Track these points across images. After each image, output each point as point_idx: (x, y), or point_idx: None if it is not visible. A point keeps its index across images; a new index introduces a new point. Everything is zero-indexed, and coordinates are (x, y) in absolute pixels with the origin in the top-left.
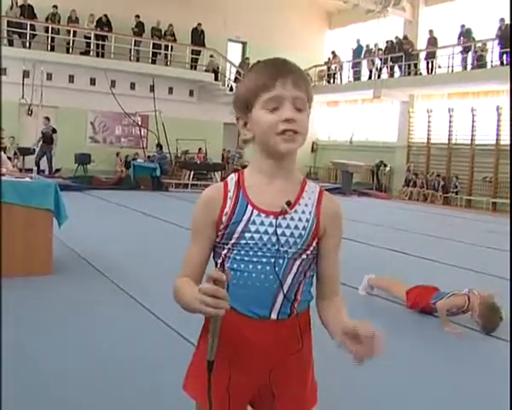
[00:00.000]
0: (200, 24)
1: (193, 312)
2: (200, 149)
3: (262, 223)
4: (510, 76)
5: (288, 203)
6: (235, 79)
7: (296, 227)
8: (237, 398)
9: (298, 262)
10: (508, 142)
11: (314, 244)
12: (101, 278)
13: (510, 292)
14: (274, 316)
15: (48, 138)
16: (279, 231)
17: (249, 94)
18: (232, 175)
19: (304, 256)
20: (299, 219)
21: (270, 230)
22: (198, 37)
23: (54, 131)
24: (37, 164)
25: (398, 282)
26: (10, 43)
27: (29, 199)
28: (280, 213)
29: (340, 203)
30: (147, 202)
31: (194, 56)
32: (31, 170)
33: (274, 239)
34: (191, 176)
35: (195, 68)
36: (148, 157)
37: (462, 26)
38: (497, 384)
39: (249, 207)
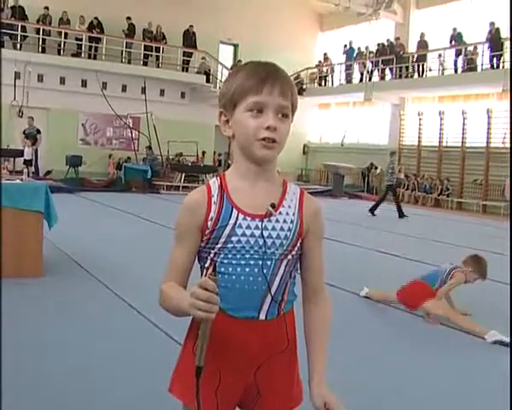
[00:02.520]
0: (191, 26)
1: (179, 315)
2: (198, 152)
3: (248, 226)
4: (510, 78)
5: (273, 205)
6: None
7: (281, 229)
8: (225, 399)
9: (284, 263)
10: (498, 145)
11: (298, 244)
12: (91, 280)
13: (510, 292)
14: (262, 317)
15: (31, 139)
16: (265, 233)
17: (235, 93)
18: (214, 179)
19: (289, 257)
20: (284, 221)
21: (257, 233)
22: (190, 39)
23: (38, 131)
24: (28, 165)
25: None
26: (1, 45)
27: (19, 201)
28: (265, 216)
29: (319, 202)
30: (138, 204)
31: (185, 58)
32: (21, 172)
33: (261, 242)
34: (182, 178)
35: (187, 70)
36: (143, 160)
37: (454, 29)
38: (498, 386)
39: (234, 211)
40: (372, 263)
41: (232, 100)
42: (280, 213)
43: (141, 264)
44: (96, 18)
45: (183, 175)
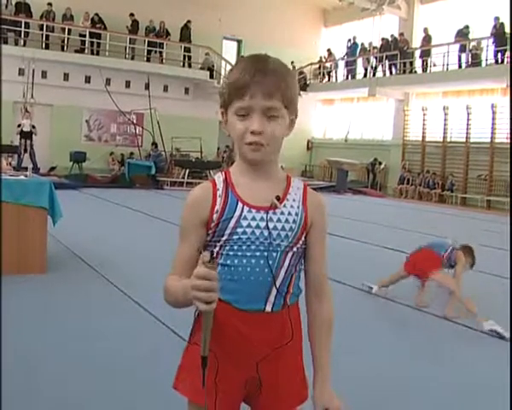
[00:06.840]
0: (189, 21)
1: (181, 307)
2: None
3: (253, 218)
4: (510, 74)
5: (278, 198)
6: None
7: (286, 221)
8: (229, 392)
9: (290, 255)
10: (502, 140)
11: (303, 238)
12: (95, 277)
13: (510, 292)
14: (269, 308)
15: (28, 134)
16: (270, 225)
17: (226, 95)
18: (219, 174)
19: (295, 249)
20: (289, 213)
21: (262, 224)
22: (187, 35)
23: (33, 127)
24: (20, 161)
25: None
26: (5, 41)
27: (23, 197)
28: (270, 208)
29: (322, 197)
30: (142, 201)
31: (185, 53)
32: (26, 168)
33: (266, 233)
34: (186, 174)
35: (191, 66)
36: (147, 156)
37: (466, 26)
38: (497, 383)
39: (239, 204)
40: (370, 258)
41: (224, 102)
42: (284, 205)
43: (145, 260)
44: (96, 14)
45: (187, 171)
